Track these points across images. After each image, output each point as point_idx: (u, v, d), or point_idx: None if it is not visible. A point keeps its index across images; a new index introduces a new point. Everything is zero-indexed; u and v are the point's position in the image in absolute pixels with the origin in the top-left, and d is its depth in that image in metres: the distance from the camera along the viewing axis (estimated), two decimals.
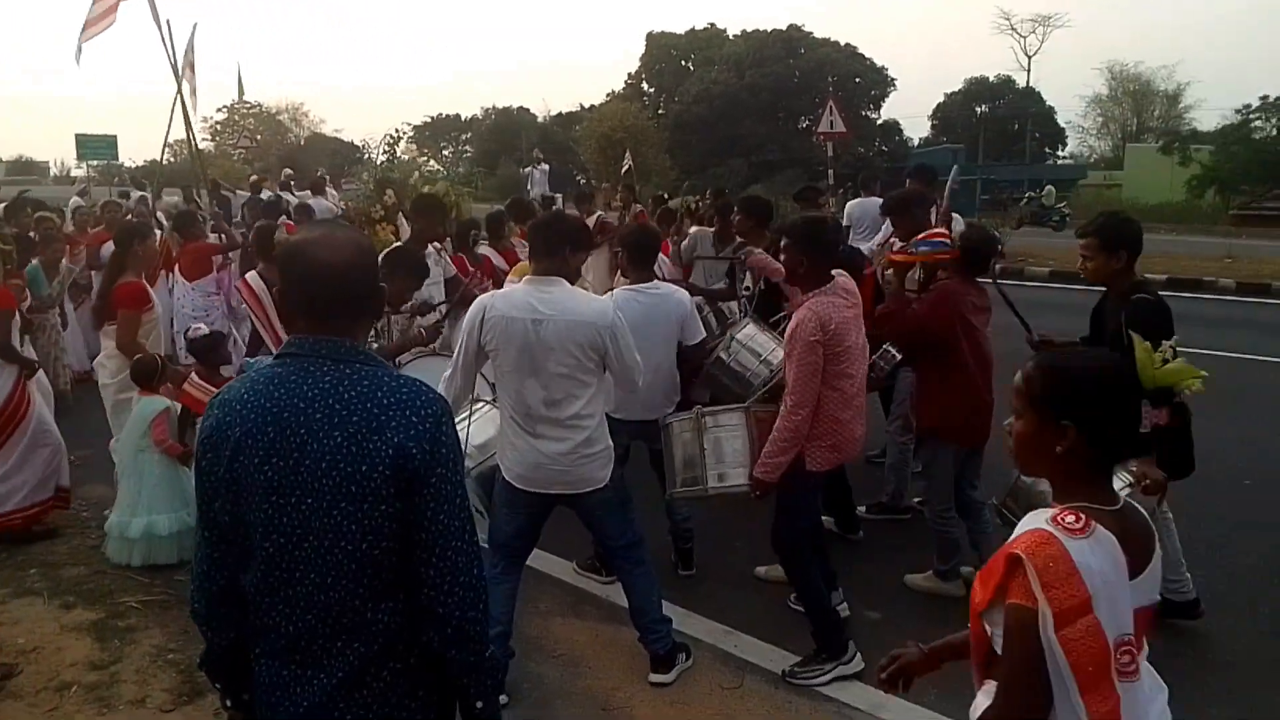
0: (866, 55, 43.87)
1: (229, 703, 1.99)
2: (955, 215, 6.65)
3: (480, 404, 4.10)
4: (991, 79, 48.73)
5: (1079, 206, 31.64)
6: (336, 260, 1.79)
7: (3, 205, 9.90)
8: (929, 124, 50.27)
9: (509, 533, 3.74)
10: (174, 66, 9.67)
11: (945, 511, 4.63)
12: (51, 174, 65.78)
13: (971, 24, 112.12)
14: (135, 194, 16.43)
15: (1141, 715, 1.74)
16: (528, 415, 3.56)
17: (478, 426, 4.01)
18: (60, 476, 5.58)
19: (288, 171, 19.43)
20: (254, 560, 1.78)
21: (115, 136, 24.64)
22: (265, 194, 14.66)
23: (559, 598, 4.69)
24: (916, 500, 5.58)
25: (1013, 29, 52.73)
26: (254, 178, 18.47)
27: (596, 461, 3.65)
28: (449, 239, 7.18)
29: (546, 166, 21.28)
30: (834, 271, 3.98)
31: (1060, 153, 51.00)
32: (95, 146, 24.31)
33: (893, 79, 44.18)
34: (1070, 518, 1.70)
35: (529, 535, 3.81)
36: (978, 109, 48.40)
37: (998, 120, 46.82)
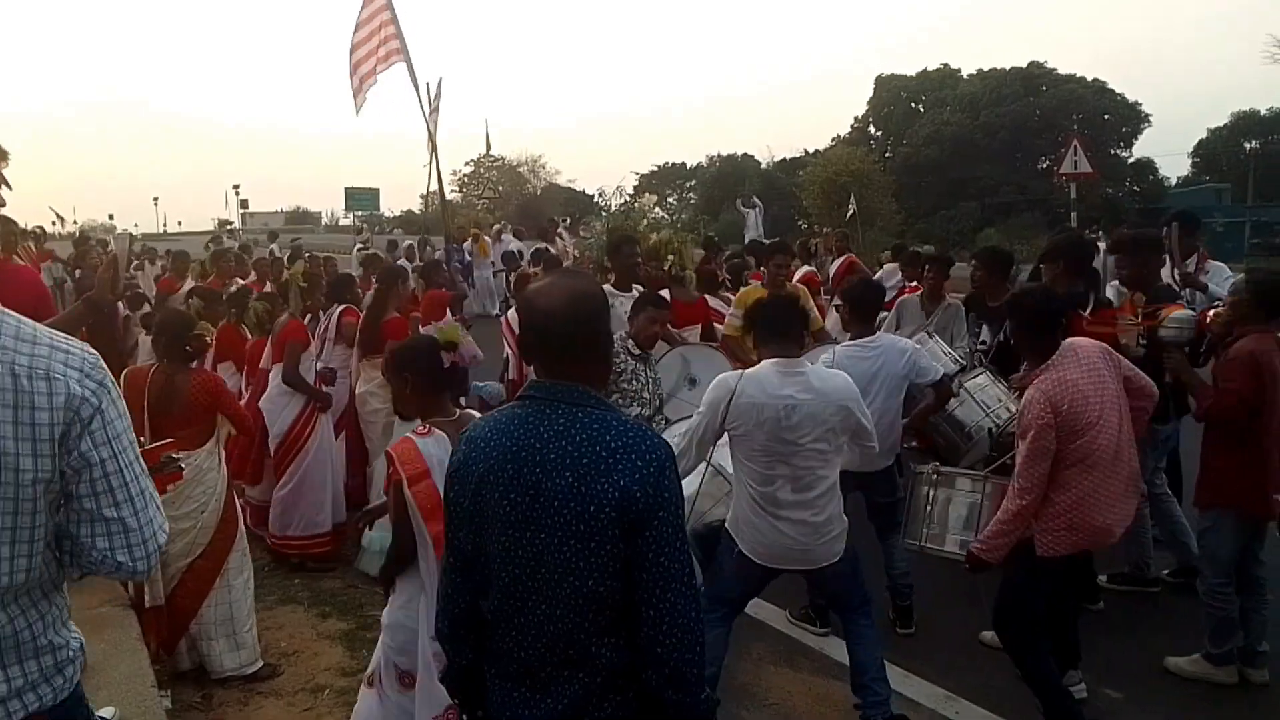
0: (1116, 90, 41.43)
1: (465, 718, 2.16)
2: (1214, 264, 6.02)
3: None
4: (1263, 112, 44.43)
5: None
6: (547, 308, 1.91)
7: (287, 254, 11.09)
8: (1189, 162, 46.56)
9: (735, 597, 3.79)
10: (428, 126, 10.47)
11: (1223, 588, 4.14)
12: (323, 223, 73.33)
13: (1238, 54, 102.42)
14: (404, 243, 18.06)
15: None
16: (772, 497, 3.54)
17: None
18: (339, 513, 5.89)
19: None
20: (492, 588, 1.92)
21: (378, 189, 27.56)
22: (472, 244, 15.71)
23: (772, 646, 4.64)
24: (1165, 572, 5.10)
25: None
26: (481, 230, 18.63)
27: (834, 536, 3.62)
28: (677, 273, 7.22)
29: (760, 206, 21.25)
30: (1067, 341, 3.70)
31: None
32: (361, 199, 27.14)
33: (1147, 115, 41.37)
34: (421, 428, 2.99)
35: (753, 595, 3.92)
36: (1246, 144, 44.19)
37: (1270, 156, 42.45)
